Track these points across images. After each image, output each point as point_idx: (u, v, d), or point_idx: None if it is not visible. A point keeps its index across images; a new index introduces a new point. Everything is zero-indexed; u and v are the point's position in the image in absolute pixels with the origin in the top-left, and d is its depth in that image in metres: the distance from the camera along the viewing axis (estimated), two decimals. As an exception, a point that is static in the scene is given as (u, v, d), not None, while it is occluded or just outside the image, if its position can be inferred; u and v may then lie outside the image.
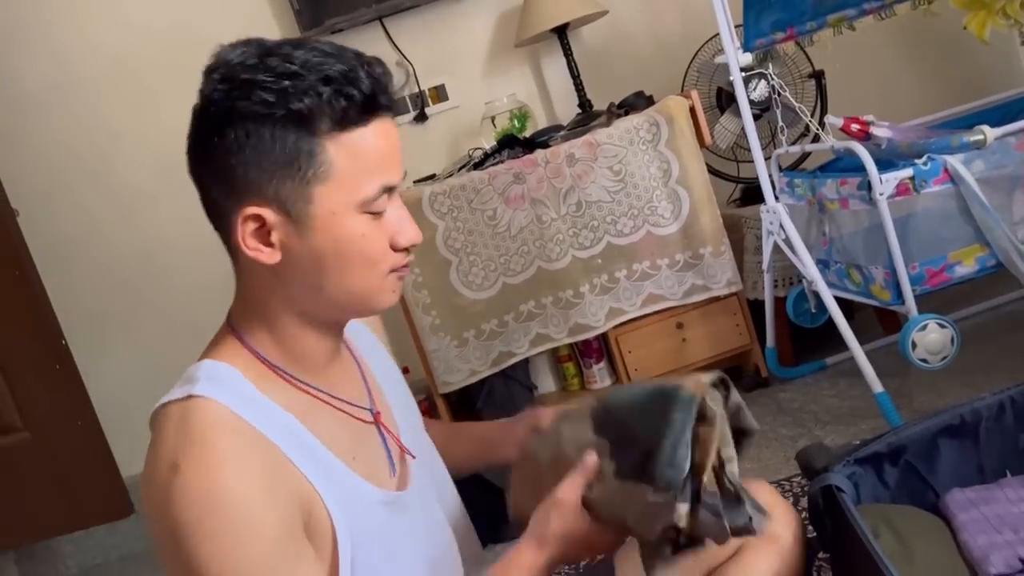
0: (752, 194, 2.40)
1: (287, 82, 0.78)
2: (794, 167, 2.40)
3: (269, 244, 0.83)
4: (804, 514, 1.15)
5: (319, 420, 0.88)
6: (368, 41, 2.50)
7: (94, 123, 2.47)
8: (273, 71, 0.79)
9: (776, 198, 2.00)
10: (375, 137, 0.82)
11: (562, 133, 2.25)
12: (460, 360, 2.17)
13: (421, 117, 2.50)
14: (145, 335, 2.54)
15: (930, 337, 1.67)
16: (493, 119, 2.43)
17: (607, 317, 2.20)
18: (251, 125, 0.79)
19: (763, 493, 1.11)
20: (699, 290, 2.20)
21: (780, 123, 2.05)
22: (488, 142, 2.36)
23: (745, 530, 0.85)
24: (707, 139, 2.17)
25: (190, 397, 0.80)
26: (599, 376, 2.33)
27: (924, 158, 1.65)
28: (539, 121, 2.49)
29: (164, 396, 0.83)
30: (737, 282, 2.20)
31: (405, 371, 2.48)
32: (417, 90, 2.49)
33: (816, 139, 2.01)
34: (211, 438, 0.77)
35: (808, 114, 2.04)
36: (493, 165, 2.14)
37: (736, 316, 2.24)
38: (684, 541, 0.87)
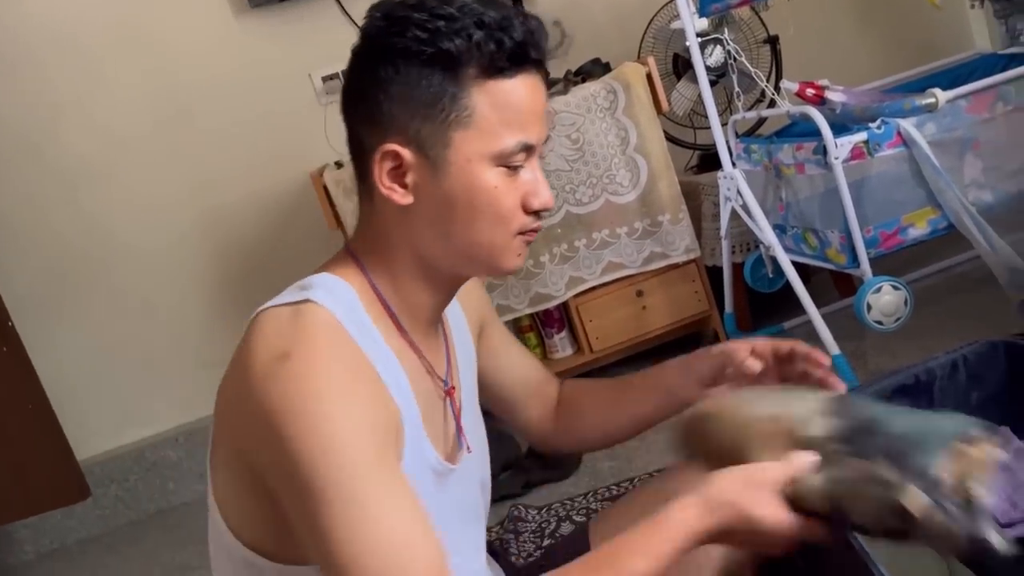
0: (709, 161, 2.41)
1: (441, 22, 0.79)
2: (750, 133, 2.41)
3: (403, 185, 0.83)
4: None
5: (410, 369, 0.87)
6: (320, 12, 2.44)
7: (35, 97, 2.39)
8: (429, 11, 0.79)
9: (733, 164, 2.00)
10: (520, 90, 0.82)
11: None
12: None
13: (375, 87, 2.45)
14: (94, 315, 2.48)
15: (884, 299, 1.69)
16: (449, 88, 2.39)
17: (567, 286, 2.20)
18: (401, 61, 0.80)
19: None
20: (658, 257, 2.21)
21: (736, 89, 2.05)
22: (444, 112, 2.33)
23: (981, 544, 0.76)
24: (664, 106, 2.17)
25: (306, 301, 0.80)
26: (560, 346, 2.33)
27: (878, 122, 1.67)
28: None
29: (272, 301, 0.83)
30: (695, 249, 2.21)
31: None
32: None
33: (772, 104, 2.02)
34: (323, 338, 0.77)
35: (764, 79, 2.05)
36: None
37: (695, 283, 2.25)
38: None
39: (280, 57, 2.44)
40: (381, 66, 0.81)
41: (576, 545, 1.13)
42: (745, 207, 1.95)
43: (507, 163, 0.82)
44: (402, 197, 0.83)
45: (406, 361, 0.86)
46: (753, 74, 1.98)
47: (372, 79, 0.81)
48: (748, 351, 0.99)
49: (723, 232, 2.11)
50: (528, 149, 0.83)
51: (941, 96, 1.59)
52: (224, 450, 0.84)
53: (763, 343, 1.01)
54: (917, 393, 1.21)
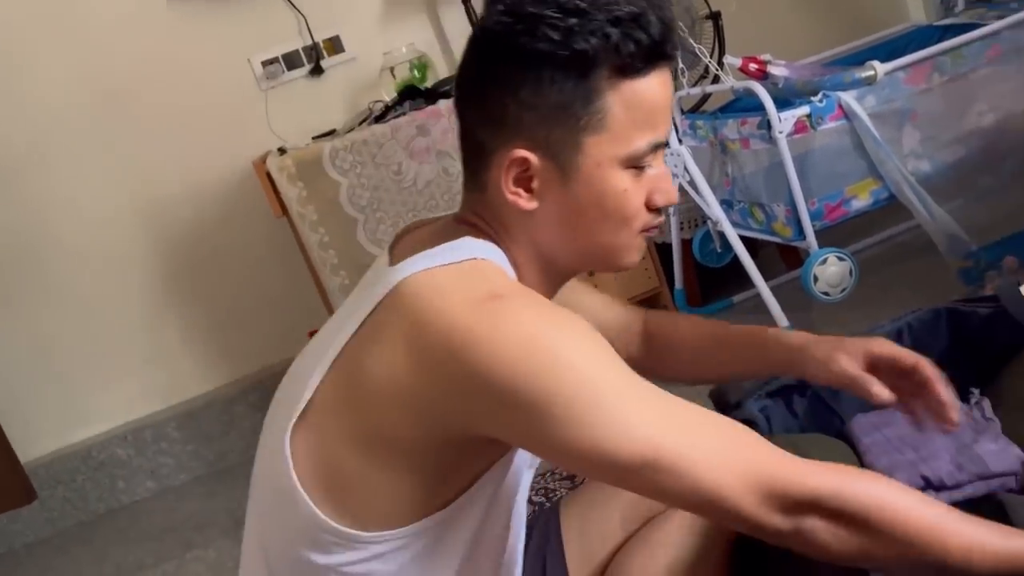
0: (656, 138, 2.42)
1: (573, 20, 0.74)
2: (695, 109, 2.42)
3: (529, 190, 0.80)
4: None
5: None
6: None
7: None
8: (560, 6, 0.74)
9: (680, 141, 2.01)
10: (654, 88, 0.78)
11: (464, 82, 2.20)
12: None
13: (317, 70, 2.40)
14: (31, 312, 2.39)
15: (830, 270, 1.72)
16: (392, 70, 2.35)
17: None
18: (531, 64, 0.75)
19: None
20: (608, 236, 2.21)
21: (680, 65, 2.05)
22: (388, 94, 2.29)
23: None
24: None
25: (474, 259, 0.78)
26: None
27: (819, 95, 1.69)
28: (440, 71, 2.43)
29: (412, 267, 0.77)
30: (645, 226, 2.21)
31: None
32: (311, 42, 2.38)
33: (716, 80, 2.03)
34: (519, 285, 0.77)
35: (707, 55, 2.05)
36: (395, 118, 2.08)
37: (644, 259, 2.27)
38: None
39: (217, 42, 2.37)
40: (508, 67, 0.77)
41: (539, 527, 1.13)
42: (692, 183, 1.97)
43: (637, 164, 0.79)
44: (527, 202, 0.80)
45: None
46: (696, 50, 1.99)
47: (497, 80, 0.78)
48: (875, 385, 0.92)
49: (671, 208, 2.12)
50: (657, 147, 0.81)
51: (880, 68, 1.62)
52: (358, 433, 0.77)
53: (887, 351, 0.95)
54: (864, 361, 1.23)
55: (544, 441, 0.70)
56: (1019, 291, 1.16)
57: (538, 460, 1.07)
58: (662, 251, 2.30)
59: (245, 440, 2.44)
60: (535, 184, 0.79)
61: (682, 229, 2.25)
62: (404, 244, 0.88)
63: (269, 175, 2.03)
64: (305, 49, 2.40)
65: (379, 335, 0.76)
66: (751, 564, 1.18)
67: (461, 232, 0.84)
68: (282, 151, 2.11)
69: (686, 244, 2.23)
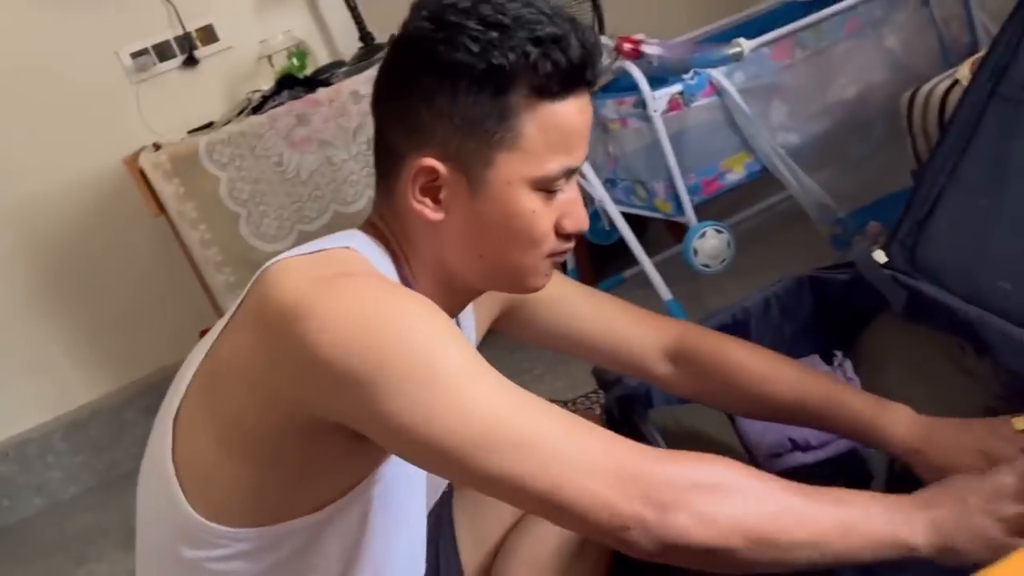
0: (542, 119, 2.43)
1: (494, 34, 0.73)
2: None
3: (436, 200, 0.79)
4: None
5: None
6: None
7: None
8: (483, 19, 0.74)
9: (562, 121, 2.03)
10: (571, 113, 0.77)
11: (344, 69, 2.16)
12: (263, 315, 2.08)
13: (190, 61, 2.31)
14: None
15: (709, 243, 1.78)
16: (270, 59, 2.29)
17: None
18: (448, 74, 0.75)
19: None
20: (499, 219, 2.22)
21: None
22: (267, 84, 2.23)
23: None
24: (491, 67, 2.16)
25: (343, 248, 0.78)
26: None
27: (691, 73, 1.73)
28: (320, 58, 2.38)
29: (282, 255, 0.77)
30: (534, 207, 2.23)
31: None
32: (183, 31, 2.29)
33: (595, 60, 2.05)
34: (373, 271, 0.76)
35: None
36: (273, 108, 2.03)
37: (537, 241, 2.28)
38: None
39: (81, 33, 2.25)
40: (425, 75, 0.76)
41: (432, 515, 1.14)
42: (576, 163, 1.99)
43: (548, 187, 0.79)
44: (433, 212, 0.79)
45: None
46: (573, 31, 2.00)
47: (413, 86, 0.77)
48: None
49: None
50: (571, 172, 0.80)
51: (746, 45, 1.66)
52: (216, 421, 0.76)
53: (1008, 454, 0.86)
54: (736, 331, 1.28)
55: (379, 421, 0.67)
56: (873, 257, 1.22)
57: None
58: (553, 231, 2.33)
59: (137, 447, 2.34)
60: (442, 195, 0.79)
61: (571, 208, 2.28)
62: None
63: (143, 172, 1.95)
64: (177, 39, 2.31)
65: (236, 317, 0.77)
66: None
67: (363, 230, 0.84)
68: (157, 147, 2.03)
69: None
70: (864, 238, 1.71)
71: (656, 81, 1.76)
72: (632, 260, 2.02)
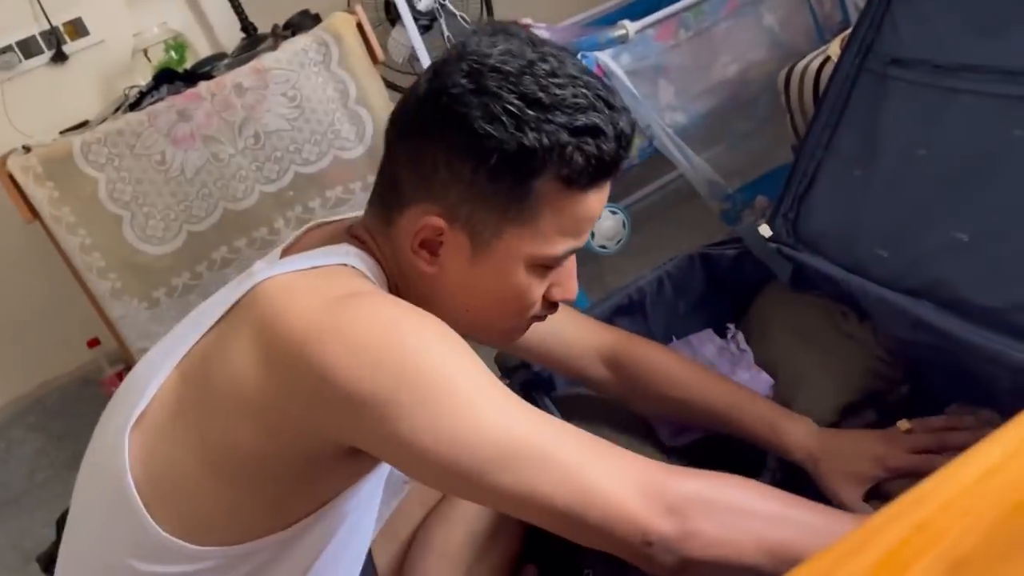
0: (436, 106, 2.41)
1: (532, 113, 0.70)
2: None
3: (434, 253, 0.77)
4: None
5: None
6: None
7: None
8: (523, 96, 0.70)
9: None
10: (592, 204, 0.75)
11: (226, 62, 2.09)
12: (154, 322, 1.99)
13: (59, 57, 2.19)
14: None
15: (605, 224, 1.80)
16: (146, 52, 2.19)
17: (308, 250, 2.14)
18: (476, 142, 0.71)
19: None
20: (396, 209, 2.19)
21: (447, 33, 2.05)
22: (145, 79, 2.13)
23: None
24: (379, 55, 2.12)
25: (342, 265, 0.76)
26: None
27: (578, 56, 1.73)
28: (200, 50, 2.29)
29: (268, 271, 0.74)
30: (432, 196, 2.21)
31: (94, 343, 2.25)
32: (49, 26, 2.17)
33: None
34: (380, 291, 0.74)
35: (472, 22, 2.06)
36: (152, 104, 1.94)
37: (437, 229, 2.27)
38: None
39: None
40: (452, 134, 0.72)
41: None
42: (471, 150, 1.98)
43: (549, 265, 0.78)
44: (428, 266, 0.77)
45: None
46: (459, 17, 1.99)
47: (437, 139, 0.73)
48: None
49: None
50: (573, 252, 0.79)
51: (630, 27, 1.69)
52: (205, 445, 0.72)
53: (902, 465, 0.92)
54: (633, 311, 1.31)
55: (396, 442, 0.66)
56: (758, 231, 1.25)
57: (403, 490, 1.06)
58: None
59: (27, 466, 2.24)
60: (441, 251, 0.77)
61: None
62: (298, 246, 0.84)
63: (12, 177, 1.84)
64: (43, 34, 2.18)
65: (229, 337, 0.72)
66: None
67: (346, 243, 0.81)
68: (27, 149, 1.92)
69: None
70: (752, 212, 1.77)
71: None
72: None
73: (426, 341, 0.68)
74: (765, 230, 1.26)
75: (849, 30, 1.25)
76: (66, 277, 2.12)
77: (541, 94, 0.71)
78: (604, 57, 1.73)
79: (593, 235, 1.79)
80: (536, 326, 1.00)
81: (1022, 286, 0.91)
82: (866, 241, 1.13)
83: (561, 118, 0.71)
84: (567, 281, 0.83)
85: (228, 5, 2.24)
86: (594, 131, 0.72)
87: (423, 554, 1.05)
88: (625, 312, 1.29)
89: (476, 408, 0.66)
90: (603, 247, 1.81)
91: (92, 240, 1.90)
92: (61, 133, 2.04)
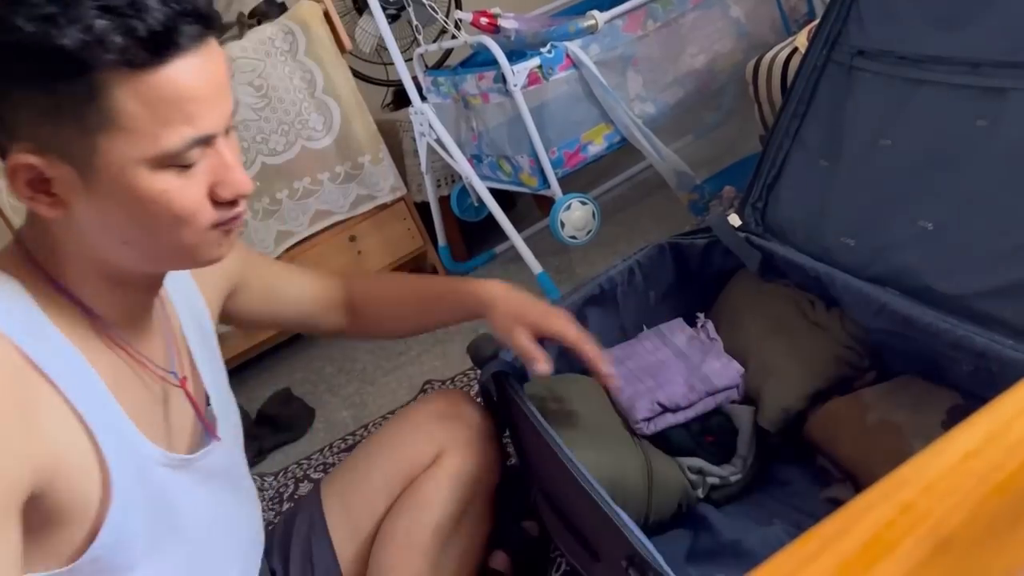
0: (405, 96, 2.39)
1: (54, 7, 0.62)
2: (439, 65, 2.42)
3: (51, 194, 0.67)
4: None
5: (109, 365, 0.75)
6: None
7: None
8: None
9: (423, 99, 2.01)
10: (177, 80, 0.66)
11: (190, 50, 2.05)
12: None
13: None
14: None
15: (575, 215, 1.80)
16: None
17: (276, 241, 2.11)
18: (14, 59, 0.63)
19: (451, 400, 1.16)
20: (365, 200, 2.18)
21: (415, 22, 2.04)
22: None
23: None
24: (347, 44, 2.11)
25: None
26: (279, 303, 2.25)
27: (548, 46, 1.73)
28: (164, 39, 2.25)
29: None
30: (401, 187, 2.21)
31: None
32: None
33: (453, 36, 2.03)
34: None
35: (440, 12, 2.05)
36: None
37: (406, 220, 2.26)
38: None
39: None
40: None
41: (302, 514, 1.11)
42: (439, 141, 1.97)
43: (176, 163, 0.69)
44: (49, 209, 0.69)
45: (103, 357, 0.76)
46: (427, 7, 1.98)
47: None
48: (537, 364, 1.03)
49: (423, 167, 2.12)
50: (204, 141, 0.70)
51: (600, 17, 1.68)
52: None
53: (554, 329, 1.06)
54: (604, 301, 1.31)
55: None
56: (727, 221, 1.27)
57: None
58: (424, 210, 2.31)
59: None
60: (56, 190, 0.68)
61: (440, 186, 2.26)
62: None
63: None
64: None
65: None
66: (515, 510, 1.23)
67: (6, 255, 0.75)
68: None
69: (444, 201, 2.24)
70: (720, 203, 1.78)
71: (513, 55, 1.76)
72: (503, 236, 2.03)
73: None
74: (734, 219, 1.27)
75: (816, 22, 1.26)
76: None
77: None
78: (573, 47, 1.74)
79: (563, 225, 1.80)
80: (296, 302, 1.12)
81: (984, 273, 0.93)
82: (833, 230, 1.15)
83: (89, 1, 0.63)
84: (228, 175, 0.72)
85: (191, -7, 2.20)
86: (131, 3, 0.64)
87: (388, 547, 1.05)
88: (596, 302, 1.30)
89: None
90: (573, 237, 1.81)
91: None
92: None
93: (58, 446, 0.68)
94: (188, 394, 0.87)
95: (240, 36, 2.04)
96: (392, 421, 1.18)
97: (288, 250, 2.14)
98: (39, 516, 0.68)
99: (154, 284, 0.82)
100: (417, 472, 1.08)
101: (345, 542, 1.07)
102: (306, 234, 2.15)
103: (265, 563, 1.04)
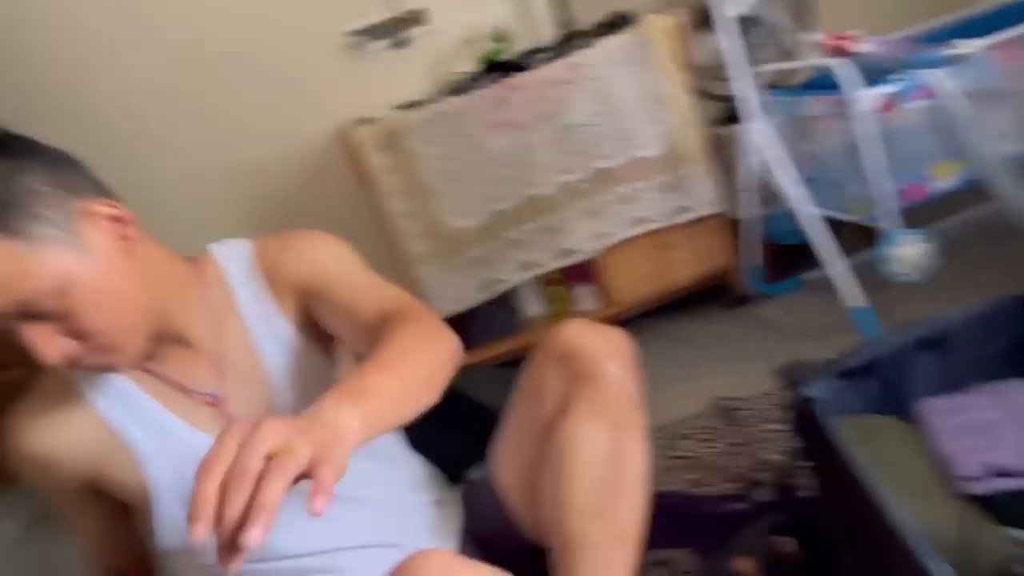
0: (737, 113, 2.40)
1: None
2: (777, 85, 2.38)
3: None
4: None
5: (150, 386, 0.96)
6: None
7: (71, 49, 2.41)
8: None
9: (759, 117, 2.00)
10: None
11: (544, 56, 2.22)
12: (448, 286, 2.19)
13: (401, 42, 2.45)
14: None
15: (908, 251, 1.70)
16: (473, 42, 2.39)
17: (593, 241, 2.22)
18: None
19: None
20: (684, 211, 2.22)
21: (763, 40, 2.03)
22: (467, 67, 2.33)
23: None
24: (690, 58, 2.16)
25: None
26: (585, 298, 2.36)
27: (905, 74, 1.65)
28: (520, 43, 2.45)
29: None
30: (720, 202, 2.22)
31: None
32: (398, 14, 2.43)
33: (799, 57, 2.00)
34: None
35: (790, 30, 2.03)
36: (476, 90, 2.12)
37: (720, 236, 2.27)
38: None
39: (304, 14, 2.44)
40: None
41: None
42: (768, 160, 1.96)
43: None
44: None
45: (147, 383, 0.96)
46: (779, 25, 1.96)
47: None
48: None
49: (743, 184, 2.11)
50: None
51: (972, 46, 1.57)
52: None
53: None
54: (936, 346, 1.24)
55: None
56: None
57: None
58: (738, 227, 2.30)
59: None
60: None
61: (763, 204, 2.23)
62: None
63: (353, 145, 2.10)
64: (392, 21, 2.45)
65: None
66: (771, 523, 1.20)
67: None
68: (366, 121, 2.18)
69: (761, 221, 2.22)
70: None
71: (866, 80, 1.69)
72: (813, 262, 1.96)
73: None
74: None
75: None
76: (375, 241, 2.38)
77: None
78: (935, 76, 1.64)
79: (894, 260, 1.70)
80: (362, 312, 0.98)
81: None
82: None
83: None
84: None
85: (551, 2, 2.37)
86: None
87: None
88: (928, 346, 1.23)
89: None
90: (901, 275, 1.71)
91: (411, 207, 2.12)
92: (392, 109, 2.29)
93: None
94: (220, 411, 0.97)
95: (590, 45, 2.17)
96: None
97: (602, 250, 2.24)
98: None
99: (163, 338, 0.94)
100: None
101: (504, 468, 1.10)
102: (622, 237, 2.24)
103: None
